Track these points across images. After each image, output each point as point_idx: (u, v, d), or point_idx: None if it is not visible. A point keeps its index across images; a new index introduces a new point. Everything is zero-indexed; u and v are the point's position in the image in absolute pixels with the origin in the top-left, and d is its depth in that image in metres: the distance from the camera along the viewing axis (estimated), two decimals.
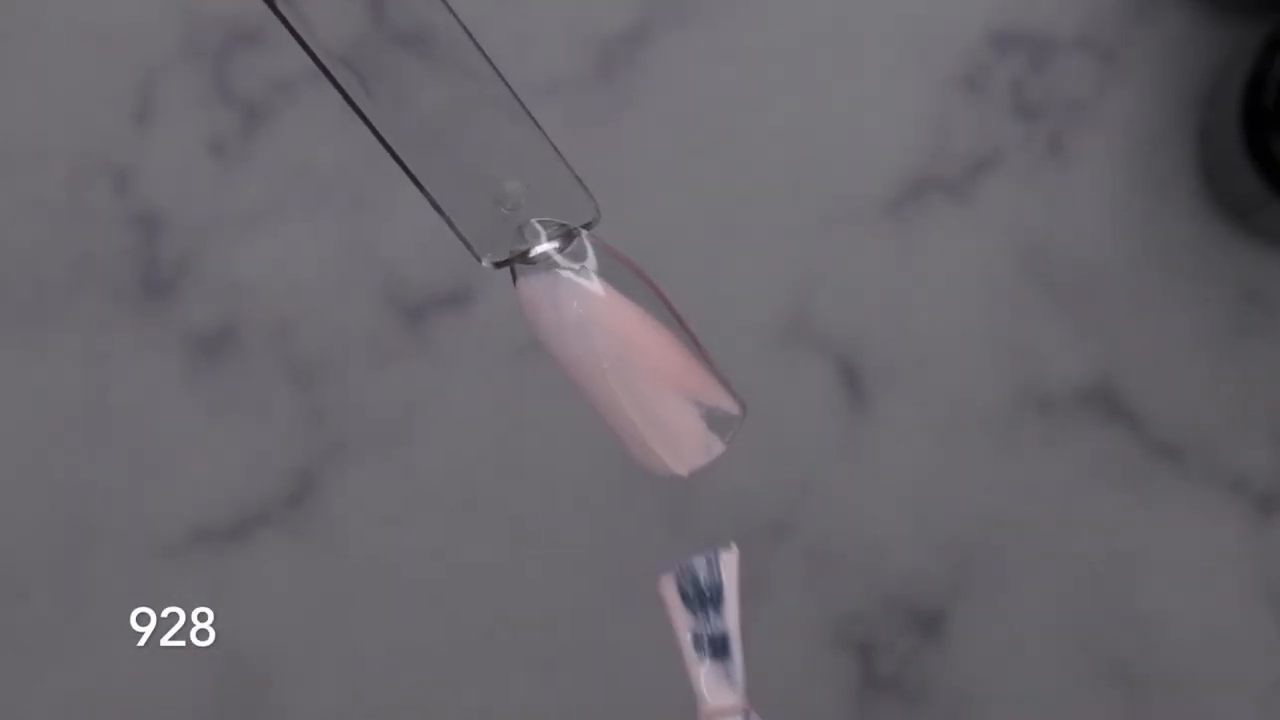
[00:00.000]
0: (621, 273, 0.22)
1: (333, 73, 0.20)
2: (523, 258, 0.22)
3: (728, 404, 0.23)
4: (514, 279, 0.22)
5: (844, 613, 0.46)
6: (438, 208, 0.21)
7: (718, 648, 0.21)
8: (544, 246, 0.22)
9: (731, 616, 0.21)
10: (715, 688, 0.21)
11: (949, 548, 0.46)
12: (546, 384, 0.43)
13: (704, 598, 0.21)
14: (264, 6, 0.19)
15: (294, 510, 0.47)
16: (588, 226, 0.22)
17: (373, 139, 0.21)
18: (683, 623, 0.21)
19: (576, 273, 0.22)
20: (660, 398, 0.22)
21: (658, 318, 0.22)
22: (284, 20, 0.20)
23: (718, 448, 0.23)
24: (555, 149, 0.22)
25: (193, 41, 0.48)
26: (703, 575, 0.21)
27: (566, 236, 0.22)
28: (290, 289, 0.47)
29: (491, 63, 0.21)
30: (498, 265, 0.22)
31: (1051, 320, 0.47)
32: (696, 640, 0.21)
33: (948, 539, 0.46)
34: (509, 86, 0.21)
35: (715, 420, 0.23)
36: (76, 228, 0.47)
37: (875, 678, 0.46)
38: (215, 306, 0.47)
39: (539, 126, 0.21)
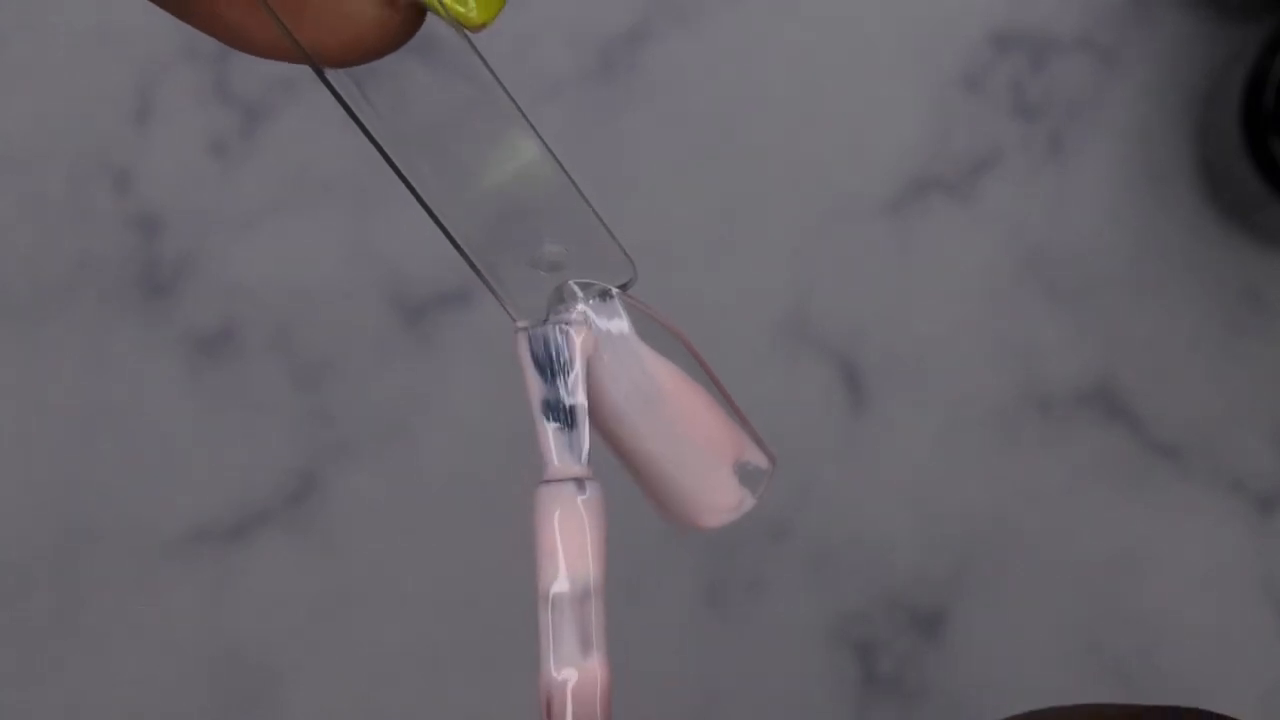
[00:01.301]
0: (654, 329, 0.22)
1: (376, 138, 0.20)
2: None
3: (759, 459, 0.23)
4: None
5: (844, 613, 0.46)
6: (474, 267, 0.22)
7: (567, 415, 0.22)
8: (581, 307, 0.22)
9: (579, 390, 0.22)
10: (562, 453, 0.22)
11: (949, 548, 0.46)
12: None
13: (556, 365, 0.22)
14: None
15: (294, 510, 0.47)
16: (624, 287, 0.22)
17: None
18: (536, 386, 0.22)
19: (611, 329, 0.22)
20: (693, 453, 0.22)
21: (690, 373, 0.22)
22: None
23: (749, 502, 0.23)
24: (592, 208, 0.22)
25: (193, 41, 0.48)
26: (555, 344, 0.22)
27: (602, 296, 0.22)
28: (291, 288, 0.47)
29: (529, 119, 0.21)
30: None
31: (1051, 320, 0.47)
32: (547, 405, 0.22)
33: (948, 539, 0.46)
34: (546, 144, 0.21)
35: (747, 475, 0.23)
36: (76, 228, 0.47)
37: (875, 677, 0.46)
38: (215, 306, 0.47)
39: (576, 185, 0.22)
